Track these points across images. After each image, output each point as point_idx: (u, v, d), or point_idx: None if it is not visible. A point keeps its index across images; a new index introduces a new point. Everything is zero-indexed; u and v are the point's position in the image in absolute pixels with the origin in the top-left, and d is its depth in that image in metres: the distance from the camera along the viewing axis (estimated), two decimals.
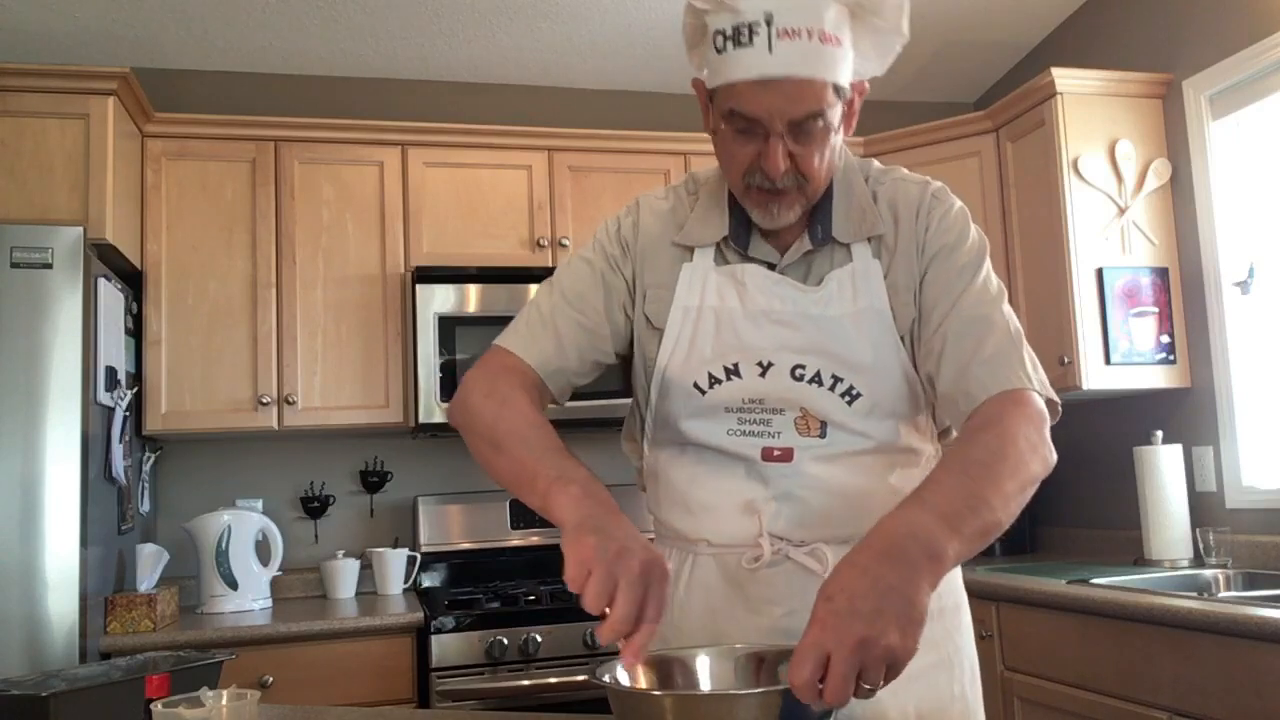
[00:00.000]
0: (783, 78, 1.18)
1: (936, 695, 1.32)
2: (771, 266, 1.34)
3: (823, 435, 1.31)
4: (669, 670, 1.13)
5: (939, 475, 1.12)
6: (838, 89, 1.22)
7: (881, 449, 1.33)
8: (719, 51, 1.21)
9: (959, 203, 1.37)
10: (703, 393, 1.33)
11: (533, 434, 1.25)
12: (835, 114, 1.23)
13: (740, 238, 1.35)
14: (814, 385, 1.30)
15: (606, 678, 1.05)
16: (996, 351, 1.23)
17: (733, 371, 1.32)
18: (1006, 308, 1.29)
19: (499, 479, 1.27)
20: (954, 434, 1.38)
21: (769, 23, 1.17)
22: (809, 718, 0.93)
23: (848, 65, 1.23)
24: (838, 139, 1.27)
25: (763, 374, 1.31)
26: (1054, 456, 1.19)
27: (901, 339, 1.32)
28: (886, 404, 1.32)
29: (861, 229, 1.33)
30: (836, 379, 1.30)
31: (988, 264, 1.33)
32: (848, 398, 1.31)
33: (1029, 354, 1.25)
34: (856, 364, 1.30)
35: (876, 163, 1.42)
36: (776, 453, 1.31)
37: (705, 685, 1.14)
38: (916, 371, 1.33)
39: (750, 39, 1.18)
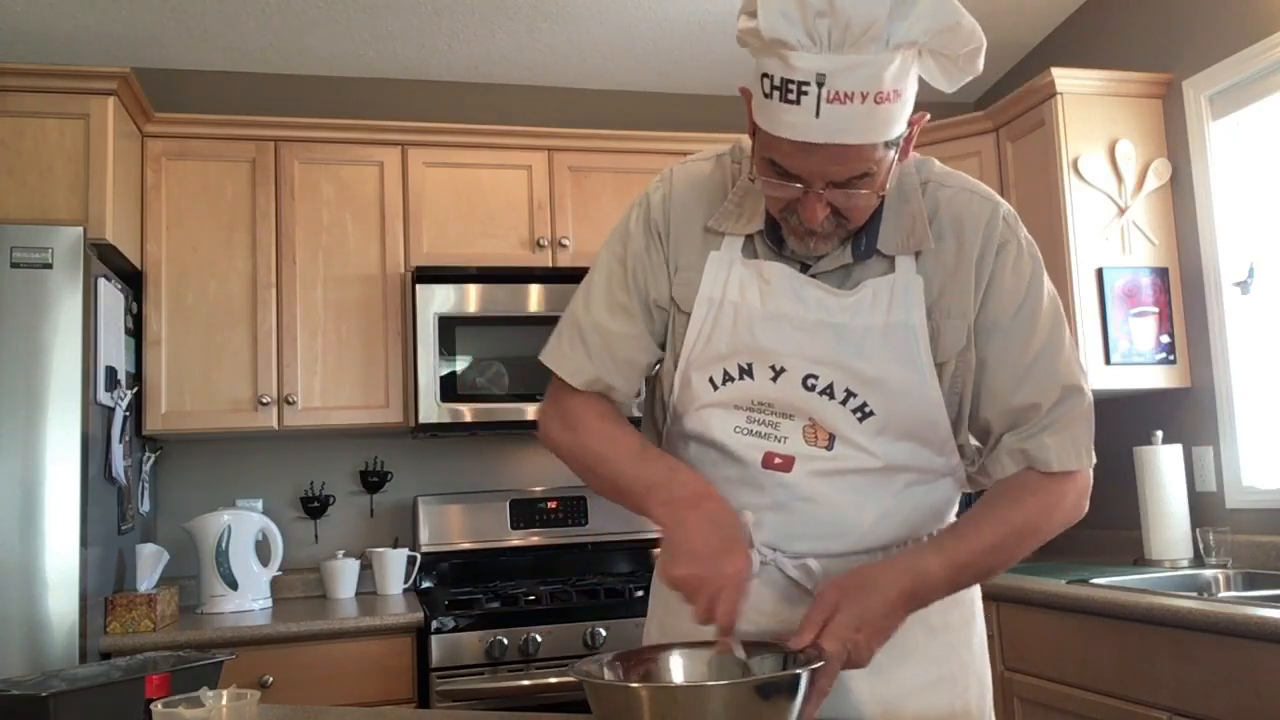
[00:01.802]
0: (827, 144, 1.09)
1: (936, 712, 1.31)
2: (805, 268, 1.27)
3: (829, 448, 1.27)
4: (644, 667, 1.15)
5: (978, 528, 1.24)
6: (890, 141, 1.13)
7: (890, 469, 1.28)
8: (765, 95, 1.10)
9: (1025, 232, 1.30)
10: (715, 388, 1.30)
11: (609, 450, 1.32)
12: (885, 163, 1.14)
13: (775, 236, 1.27)
14: (824, 397, 1.25)
15: (589, 670, 1.07)
16: (1075, 432, 1.26)
17: (746, 371, 1.28)
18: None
19: (610, 499, 1.35)
20: (988, 446, 1.33)
21: (820, 84, 1.05)
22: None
23: (906, 111, 1.13)
24: (890, 167, 1.17)
25: (774, 378, 1.26)
26: (1083, 513, 1.29)
27: (941, 366, 1.25)
28: (901, 425, 1.26)
29: (910, 242, 1.25)
30: (850, 394, 1.25)
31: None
32: (859, 414, 1.25)
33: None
34: (874, 380, 1.23)
35: (938, 163, 1.32)
36: (778, 460, 1.27)
37: (679, 679, 1.15)
38: (969, 407, 1.29)
39: (798, 98, 1.07)
